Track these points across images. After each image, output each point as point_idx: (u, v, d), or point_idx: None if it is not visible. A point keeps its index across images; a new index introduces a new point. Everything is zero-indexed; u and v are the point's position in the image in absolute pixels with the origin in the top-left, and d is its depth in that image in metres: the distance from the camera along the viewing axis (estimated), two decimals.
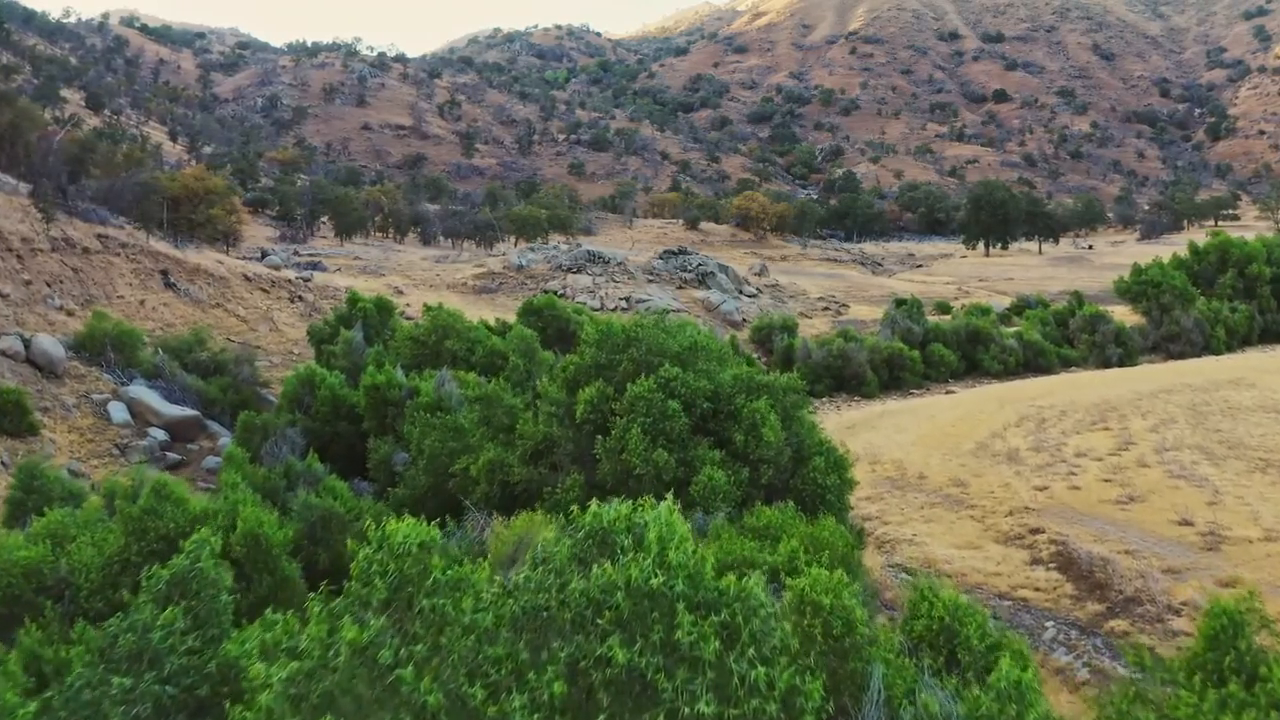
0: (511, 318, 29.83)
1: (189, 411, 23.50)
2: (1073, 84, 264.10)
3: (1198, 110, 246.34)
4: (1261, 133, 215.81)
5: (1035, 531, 14.93)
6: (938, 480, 17.83)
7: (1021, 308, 51.88)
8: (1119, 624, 11.90)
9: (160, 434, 22.54)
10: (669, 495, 5.11)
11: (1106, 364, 37.25)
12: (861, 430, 23.59)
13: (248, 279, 39.15)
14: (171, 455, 21.86)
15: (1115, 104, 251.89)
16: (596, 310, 43.18)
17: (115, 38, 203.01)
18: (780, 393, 10.01)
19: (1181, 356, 38.92)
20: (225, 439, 22.31)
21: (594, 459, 9.51)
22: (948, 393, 31.22)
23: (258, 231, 64.60)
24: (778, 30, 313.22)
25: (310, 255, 53.72)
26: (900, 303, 49.65)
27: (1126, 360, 37.76)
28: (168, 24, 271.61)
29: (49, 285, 28.56)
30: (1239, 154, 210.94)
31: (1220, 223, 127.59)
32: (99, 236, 35.19)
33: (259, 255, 51.88)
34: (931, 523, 15.78)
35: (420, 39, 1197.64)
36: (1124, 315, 42.66)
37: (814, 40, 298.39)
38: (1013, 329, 40.06)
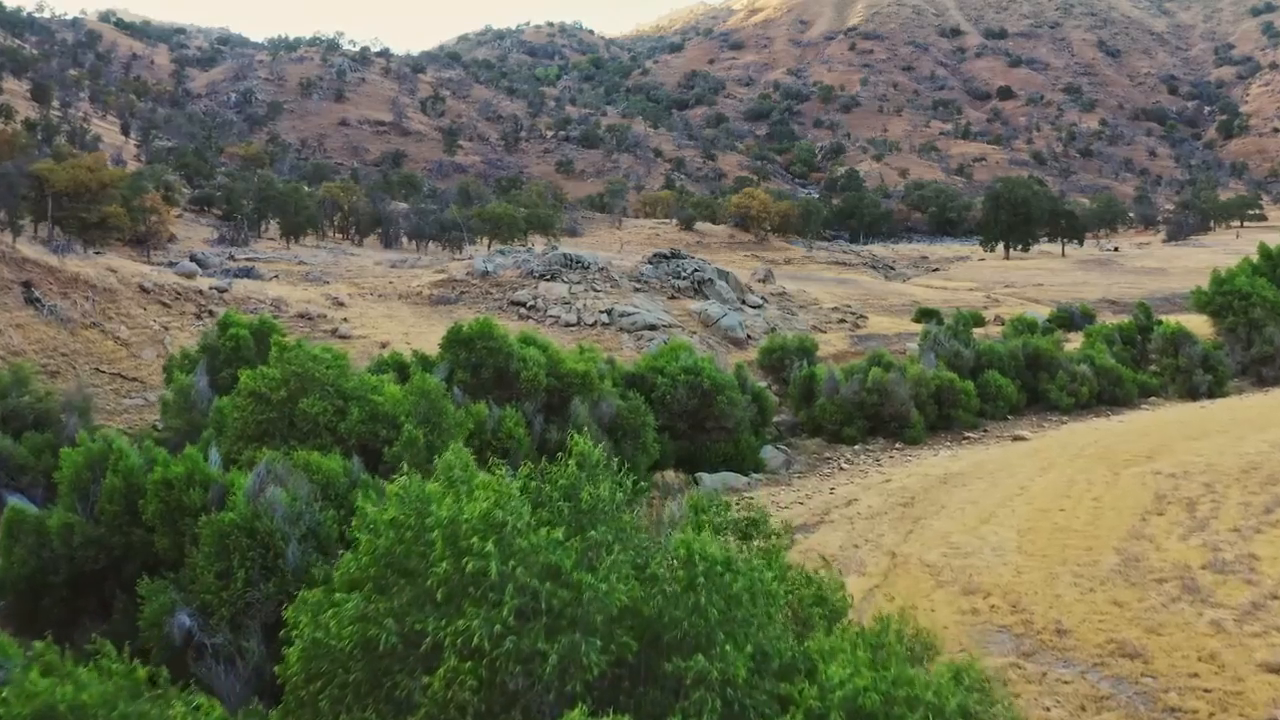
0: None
1: None
2: (1078, 81, 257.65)
3: (1208, 108, 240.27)
4: (1276, 130, 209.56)
5: None
6: (1089, 638, 10.78)
7: (1066, 320, 45.06)
8: None
9: None
10: None
11: (1193, 394, 30.57)
12: (928, 512, 16.52)
13: (144, 290, 32.11)
14: None
15: (1123, 101, 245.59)
16: (573, 325, 36.18)
17: (88, 32, 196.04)
18: None
19: (1276, 383, 32.66)
20: None
21: None
22: (1016, 439, 24.32)
23: (198, 233, 57.45)
24: (775, 26, 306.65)
25: (248, 259, 46.69)
26: (931, 314, 42.93)
27: (1215, 389, 31.04)
28: (148, 20, 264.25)
29: None
30: (1253, 152, 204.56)
31: (1246, 223, 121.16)
32: None
33: (188, 259, 44.88)
34: None
35: (415, 38, 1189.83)
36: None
37: (812, 36, 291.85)
38: (1075, 349, 33.19)
